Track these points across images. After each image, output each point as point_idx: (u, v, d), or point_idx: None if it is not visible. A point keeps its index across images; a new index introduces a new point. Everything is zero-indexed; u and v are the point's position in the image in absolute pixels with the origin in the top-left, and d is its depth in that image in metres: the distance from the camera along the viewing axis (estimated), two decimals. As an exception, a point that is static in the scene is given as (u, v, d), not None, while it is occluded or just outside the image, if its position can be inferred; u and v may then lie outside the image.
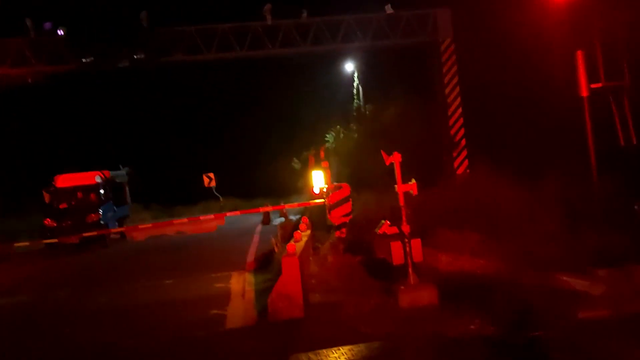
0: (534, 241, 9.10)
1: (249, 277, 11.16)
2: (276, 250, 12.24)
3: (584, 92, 10.03)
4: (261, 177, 31.67)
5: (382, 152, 8.35)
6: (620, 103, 10.86)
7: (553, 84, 11.37)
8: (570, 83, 10.23)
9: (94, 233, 18.14)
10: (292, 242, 9.02)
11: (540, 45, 11.71)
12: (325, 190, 12.87)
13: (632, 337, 5.76)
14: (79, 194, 21.23)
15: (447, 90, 19.43)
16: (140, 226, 18.52)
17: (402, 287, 7.88)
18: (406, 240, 7.95)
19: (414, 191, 8.19)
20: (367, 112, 24.44)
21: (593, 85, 10.28)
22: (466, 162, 19.00)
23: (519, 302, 7.09)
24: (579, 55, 10.09)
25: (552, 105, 11.60)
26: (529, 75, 12.39)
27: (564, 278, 7.80)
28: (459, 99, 19.43)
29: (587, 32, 10.61)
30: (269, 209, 19.16)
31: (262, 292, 9.25)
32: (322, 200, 13.23)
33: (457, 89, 19.41)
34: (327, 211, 12.22)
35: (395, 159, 8.20)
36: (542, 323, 6.35)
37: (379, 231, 8.74)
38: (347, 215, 11.91)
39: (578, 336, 5.93)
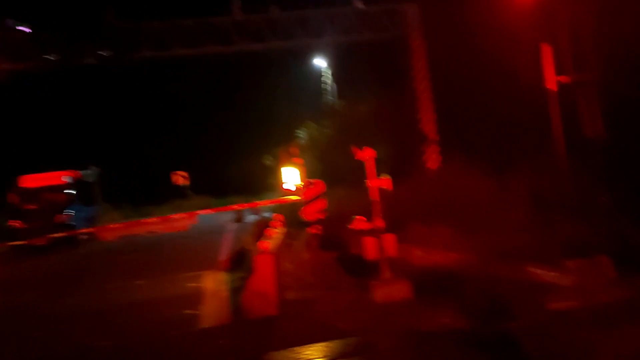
0: (505, 234, 9.21)
1: (223, 276, 11.02)
2: (249, 248, 12.15)
3: (551, 86, 10.18)
4: (234, 175, 31.45)
5: (353, 148, 8.33)
6: (588, 96, 11.05)
7: (522, 77, 11.51)
8: (539, 76, 10.39)
9: (63, 234, 17.76)
10: (265, 239, 8.95)
11: (509, 39, 11.84)
12: (300, 187, 12.83)
13: (601, 326, 5.86)
14: (47, 195, 20.77)
15: (417, 85, 19.56)
16: (110, 226, 18.15)
17: (377, 283, 7.89)
18: (380, 235, 7.96)
19: (387, 186, 8.21)
20: (339, 108, 24.45)
21: (561, 79, 10.45)
22: (438, 156, 19.16)
23: (491, 294, 7.15)
24: (545, 48, 10.23)
25: (522, 98, 11.75)
26: (498, 68, 12.51)
27: (535, 270, 7.90)
28: (429, 94, 19.57)
29: (554, 25, 10.77)
30: (241, 206, 19.03)
31: (236, 291, 9.14)
32: (295, 196, 13.18)
33: (428, 84, 19.55)
34: (300, 208, 12.17)
35: (366, 155, 8.20)
36: (514, 314, 6.43)
37: (353, 227, 8.74)
38: (321, 211, 11.88)
39: (548, 327, 6.01)
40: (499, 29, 11.98)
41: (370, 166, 8.18)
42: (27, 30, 17.55)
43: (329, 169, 17.13)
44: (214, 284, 10.49)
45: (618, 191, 9.10)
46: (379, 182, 8.20)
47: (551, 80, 10.21)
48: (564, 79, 10.46)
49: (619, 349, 5.31)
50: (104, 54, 17.93)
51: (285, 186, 14.11)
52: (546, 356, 5.35)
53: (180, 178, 29.81)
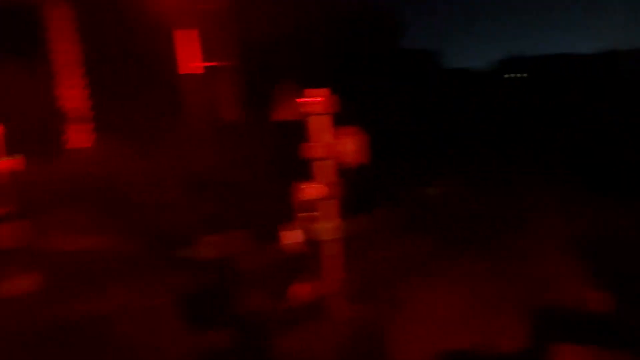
0: (154, 214, 9.29)
1: None
2: None
3: (187, 70, 10.65)
4: None
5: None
6: (226, 81, 11.84)
7: (164, 61, 11.73)
8: (178, 61, 10.73)
9: None
10: None
11: (153, 19, 11.84)
12: None
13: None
14: None
15: (65, 58, 18.02)
16: None
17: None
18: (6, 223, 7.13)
19: (17, 167, 7.42)
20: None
21: (198, 64, 10.98)
22: (88, 135, 18.07)
23: (125, 274, 7.19)
24: (178, 34, 10.62)
25: (165, 80, 11.95)
26: (143, 49, 12.43)
27: (180, 248, 8.18)
28: (79, 68, 18.23)
29: (190, 10, 11.18)
30: None
31: None
32: None
33: (77, 57, 18.18)
34: None
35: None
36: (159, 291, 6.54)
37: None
38: None
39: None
40: (146, 8, 11.84)
41: (-5, 145, 7.22)
42: None
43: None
44: None
45: (254, 170, 10.00)
46: (7, 163, 7.33)
47: (186, 66, 10.66)
48: (202, 64, 11.02)
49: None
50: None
51: None
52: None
53: None
